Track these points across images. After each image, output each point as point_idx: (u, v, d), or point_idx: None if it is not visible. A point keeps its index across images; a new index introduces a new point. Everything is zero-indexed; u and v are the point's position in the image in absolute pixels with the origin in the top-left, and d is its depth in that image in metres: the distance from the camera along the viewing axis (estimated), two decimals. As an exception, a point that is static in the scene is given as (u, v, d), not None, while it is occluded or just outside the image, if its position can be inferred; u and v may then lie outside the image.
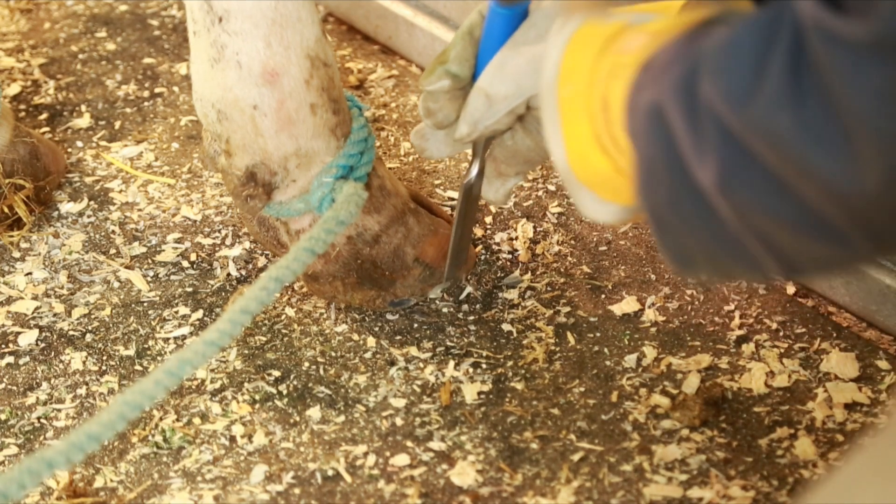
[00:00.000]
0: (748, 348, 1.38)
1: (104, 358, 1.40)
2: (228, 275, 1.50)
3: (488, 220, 1.55)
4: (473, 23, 1.22)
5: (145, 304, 1.47)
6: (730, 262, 0.89)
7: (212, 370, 1.38)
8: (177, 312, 1.45)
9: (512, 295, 1.46)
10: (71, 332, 1.43)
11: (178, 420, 1.33)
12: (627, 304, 1.44)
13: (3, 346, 1.42)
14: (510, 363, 1.38)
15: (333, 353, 1.40)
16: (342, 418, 1.33)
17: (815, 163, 0.77)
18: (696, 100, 0.83)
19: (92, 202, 1.61)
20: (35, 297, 1.48)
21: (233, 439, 1.31)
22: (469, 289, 1.46)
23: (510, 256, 1.51)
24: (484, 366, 1.38)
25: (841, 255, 0.84)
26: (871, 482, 0.79)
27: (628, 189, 0.97)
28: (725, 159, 0.82)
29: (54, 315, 1.46)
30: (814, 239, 0.82)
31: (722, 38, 0.83)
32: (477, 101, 1.20)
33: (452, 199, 1.60)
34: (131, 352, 1.41)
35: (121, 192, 1.62)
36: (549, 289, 1.47)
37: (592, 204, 1.03)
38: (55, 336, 1.43)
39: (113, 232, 1.56)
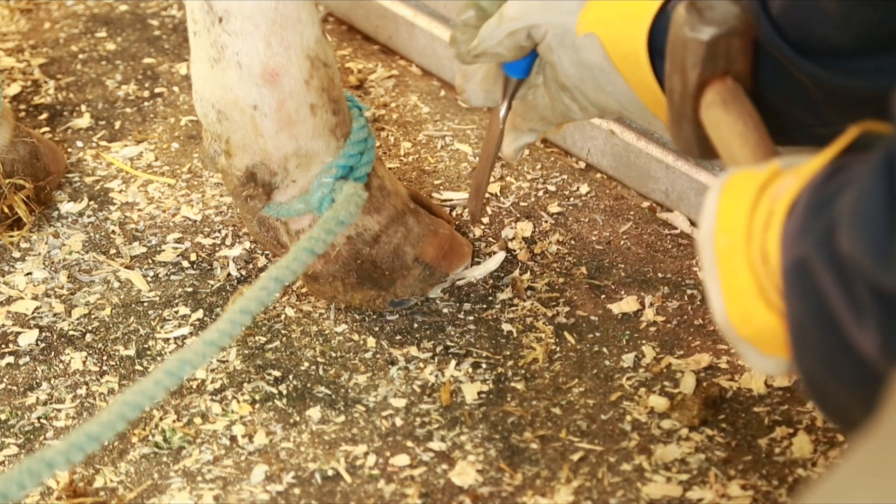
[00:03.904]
0: (748, 348, 1.38)
1: (104, 358, 1.40)
2: (228, 275, 1.50)
3: (487, 220, 1.56)
4: None
5: (145, 304, 1.47)
6: None
7: (212, 370, 1.38)
8: (177, 312, 1.45)
9: (511, 295, 1.46)
10: (71, 332, 1.43)
11: (178, 420, 1.33)
12: (627, 304, 1.44)
13: (3, 346, 1.42)
14: (510, 363, 1.38)
15: (333, 353, 1.40)
16: (342, 418, 1.33)
17: None
18: (842, 259, 0.78)
19: (92, 202, 1.61)
20: (35, 297, 1.48)
21: (233, 439, 1.31)
22: (468, 288, 1.47)
23: (509, 256, 1.51)
24: (484, 366, 1.38)
25: None
26: (867, 481, 0.78)
27: None
28: (886, 323, 0.76)
29: (54, 315, 1.46)
30: None
31: (854, 190, 0.78)
32: (493, 19, 1.24)
33: (452, 200, 1.60)
34: (131, 352, 1.41)
35: (121, 192, 1.62)
36: (548, 289, 1.47)
37: (756, 358, 0.96)
38: (55, 336, 1.43)
39: (113, 232, 1.56)
